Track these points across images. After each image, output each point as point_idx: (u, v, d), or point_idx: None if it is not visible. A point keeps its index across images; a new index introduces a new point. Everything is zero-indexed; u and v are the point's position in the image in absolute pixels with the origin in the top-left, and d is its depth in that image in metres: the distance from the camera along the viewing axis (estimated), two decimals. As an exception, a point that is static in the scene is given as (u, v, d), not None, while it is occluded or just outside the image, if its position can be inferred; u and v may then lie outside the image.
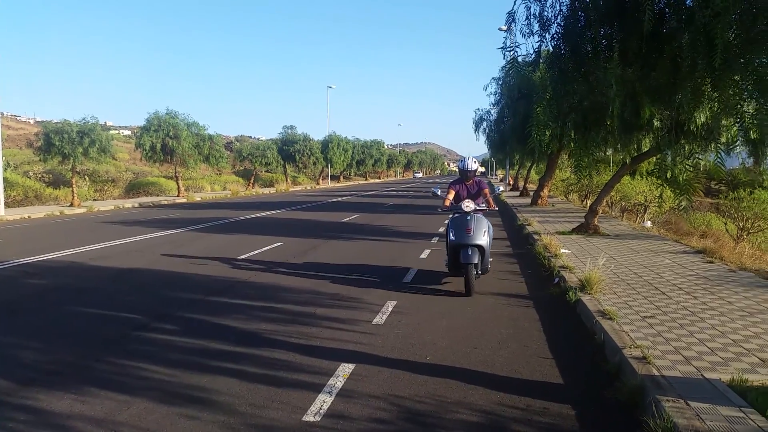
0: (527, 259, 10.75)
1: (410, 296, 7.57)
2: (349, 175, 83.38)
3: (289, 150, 51.57)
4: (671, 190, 13.76)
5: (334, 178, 73.42)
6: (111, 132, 57.40)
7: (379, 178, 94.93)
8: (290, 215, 22.02)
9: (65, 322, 6.46)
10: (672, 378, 4.10)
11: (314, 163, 55.88)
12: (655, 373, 4.19)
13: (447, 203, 8.14)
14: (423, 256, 11.11)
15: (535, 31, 7.64)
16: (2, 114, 62.66)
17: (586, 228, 13.85)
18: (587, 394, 4.26)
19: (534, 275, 9.13)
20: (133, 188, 38.69)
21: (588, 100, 9.64)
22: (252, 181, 51.02)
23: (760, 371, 4.27)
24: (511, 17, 7.58)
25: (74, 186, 27.70)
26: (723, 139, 10.09)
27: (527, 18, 7.52)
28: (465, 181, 8.17)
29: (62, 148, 25.86)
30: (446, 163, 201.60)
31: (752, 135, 8.11)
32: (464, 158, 8.35)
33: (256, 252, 11.68)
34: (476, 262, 7.41)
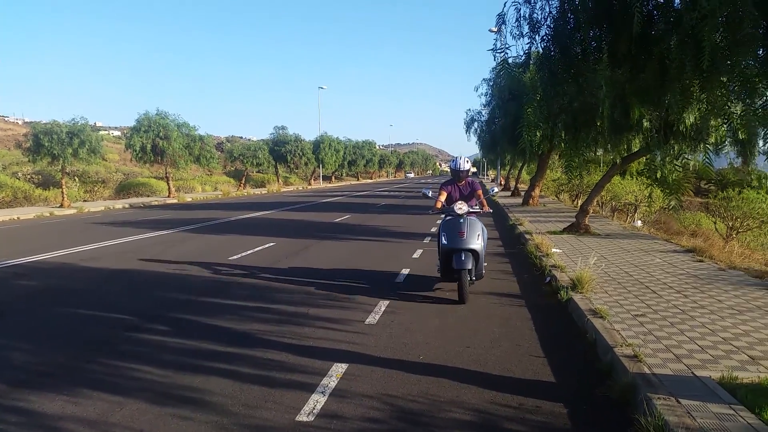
0: (519, 258, 10.79)
1: (403, 296, 7.57)
2: (341, 175, 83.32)
3: (281, 150, 51.47)
4: (661, 190, 13.91)
5: (326, 178, 73.34)
6: (101, 133, 57.00)
7: (371, 179, 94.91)
8: (282, 216, 21.96)
9: (56, 323, 6.42)
10: (663, 376, 4.14)
11: (306, 164, 55.81)
12: (646, 371, 4.23)
13: (438, 205, 7.70)
14: (415, 255, 11.13)
15: (525, 32, 7.65)
16: (-10, 114, 62.04)
17: (577, 227, 13.93)
18: (579, 393, 4.29)
19: (526, 275, 9.16)
20: (124, 189, 38.47)
21: (578, 101, 9.70)
22: (243, 181, 50.86)
23: (749, 368, 4.32)
24: (501, 19, 7.59)
25: (64, 187, 27.53)
26: (712, 140, 10.20)
27: (517, 20, 7.53)
28: (457, 181, 7.84)
29: (51, 149, 25.70)
30: (438, 164, 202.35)
31: (740, 135, 8.20)
32: (456, 158, 7.98)
33: (249, 252, 11.65)
34: (470, 267, 7.02)
